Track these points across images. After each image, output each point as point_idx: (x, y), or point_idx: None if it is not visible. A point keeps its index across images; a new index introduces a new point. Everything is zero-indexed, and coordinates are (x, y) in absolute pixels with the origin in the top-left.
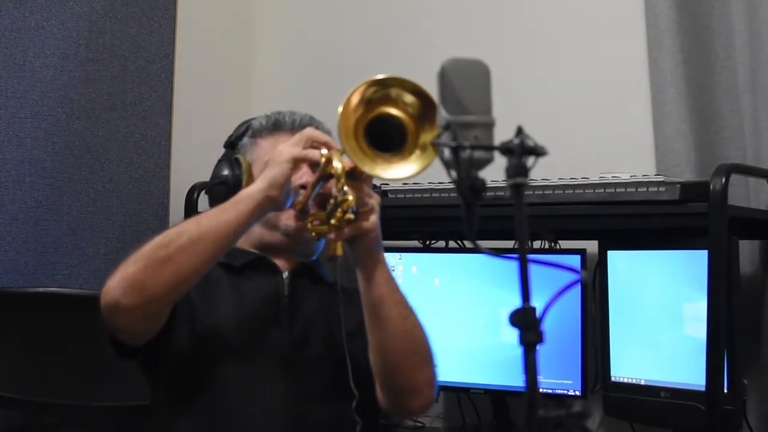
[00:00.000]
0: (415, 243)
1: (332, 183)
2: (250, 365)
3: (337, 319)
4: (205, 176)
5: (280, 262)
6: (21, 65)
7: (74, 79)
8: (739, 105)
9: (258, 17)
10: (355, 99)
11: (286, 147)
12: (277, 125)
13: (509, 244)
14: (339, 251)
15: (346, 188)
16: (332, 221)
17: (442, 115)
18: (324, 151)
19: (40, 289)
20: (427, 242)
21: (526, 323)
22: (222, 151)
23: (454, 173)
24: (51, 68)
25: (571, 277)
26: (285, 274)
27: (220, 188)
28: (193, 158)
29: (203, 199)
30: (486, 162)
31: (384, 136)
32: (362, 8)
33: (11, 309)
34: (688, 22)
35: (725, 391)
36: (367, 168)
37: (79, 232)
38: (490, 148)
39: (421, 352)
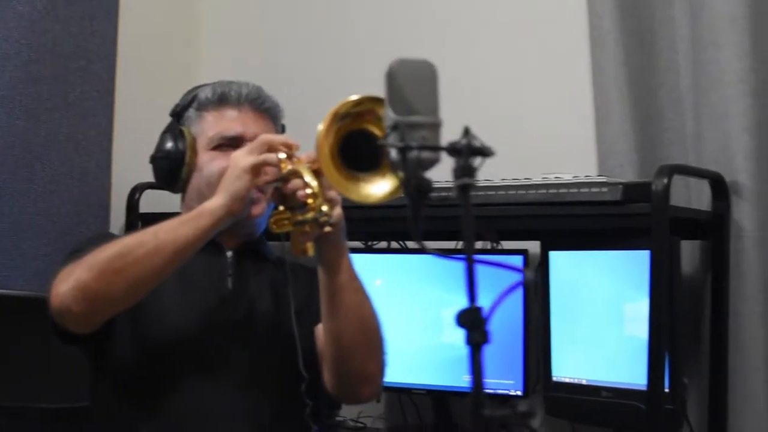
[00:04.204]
0: (357, 243)
1: (295, 182)
2: (196, 346)
3: (284, 299)
4: (147, 177)
5: (224, 241)
6: None
7: (15, 79)
8: (681, 106)
9: (202, 17)
10: (327, 123)
11: (243, 156)
12: (223, 98)
13: (452, 244)
14: (310, 252)
15: (312, 183)
16: (300, 219)
17: (390, 115)
18: (282, 155)
19: None
20: (369, 243)
21: (473, 323)
22: None
23: (401, 174)
24: None
25: (515, 277)
26: (229, 254)
27: (164, 162)
28: (134, 159)
29: (144, 200)
30: (433, 162)
31: (362, 154)
32: (312, 16)
33: None
34: (630, 24)
35: (666, 390)
36: (342, 189)
37: (20, 232)
38: (438, 149)
39: (375, 340)
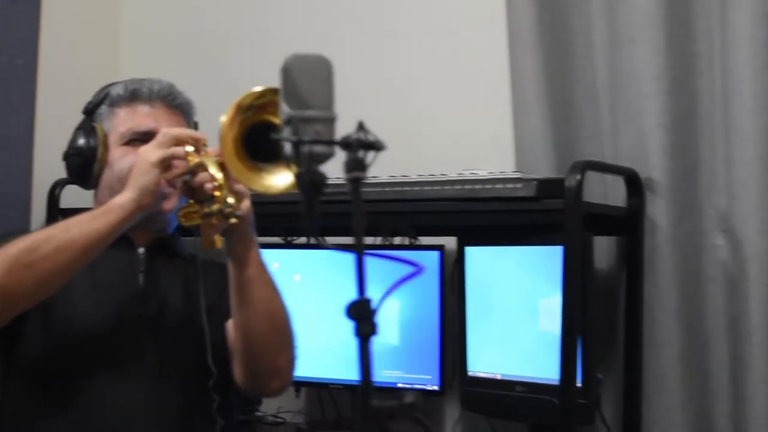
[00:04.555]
0: (277, 239)
1: (202, 175)
2: (106, 342)
3: (195, 295)
4: None
5: (135, 237)
6: None
7: None
8: (597, 104)
9: (124, 15)
10: (231, 114)
11: (150, 150)
12: (135, 95)
13: (368, 240)
14: (218, 244)
15: (217, 175)
16: (207, 212)
17: (284, 110)
18: (189, 148)
19: None
20: (289, 238)
21: (361, 315)
22: None
23: (295, 168)
24: None
25: (427, 273)
26: (141, 250)
27: (76, 159)
28: (56, 155)
29: (65, 195)
30: (327, 156)
31: (266, 146)
32: (230, 18)
33: None
34: (548, 21)
35: (579, 385)
36: (246, 180)
37: None
38: (329, 143)
39: (284, 334)
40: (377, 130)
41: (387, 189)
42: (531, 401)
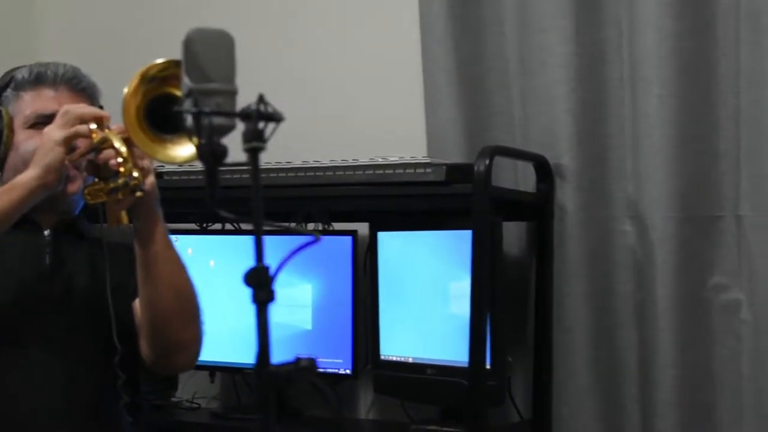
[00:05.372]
0: (192, 225)
1: (107, 152)
2: (12, 321)
3: (102, 275)
4: None
5: (41, 219)
6: None
7: None
8: (508, 91)
9: (39, 7)
10: (135, 83)
11: (54, 129)
12: (39, 78)
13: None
14: (125, 220)
15: (121, 149)
16: (112, 187)
17: (185, 82)
18: (93, 126)
19: None
20: (204, 224)
21: (259, 282)
22: None
23: (195, 140)
24: None
25: (344, 255)
26: (47, 232)
27: None
28: None
29: None
30: (227, 129)
31: (170, 117)
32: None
33: None
34: (459, 9)
35: (488, 367)
36: (149, 150)
37: None
38: (229, 114)
39: (190, 308)
40: (293, 117)
41: (300, 174)
42: (441, 384)
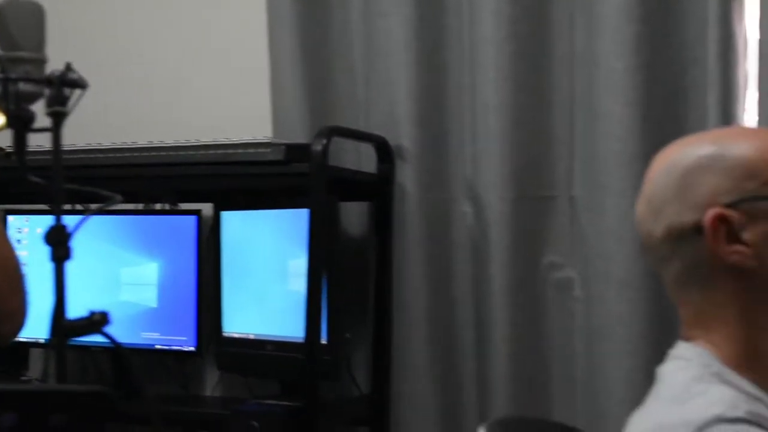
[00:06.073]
0: (45, 206)
1: None
2: None
3: None
4: None
5: None
6: None
7: None
8: (353, 74)
9: None
10: None
11: None
12: None
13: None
14: None
15: None
16: None
17: None
18: None
19: None
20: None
21: (57, 240)
22: None
23: (4, 106)
24: None
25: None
26: None
27: None
28: None
29: None
30: (35, 95)
31: None
32: None
33: None
34: None
35: (324, 343)
36: None
37: None
38: (34, 81)
39: (15, 279)
40: (140, 98)
41: (144, 154)
42: (280, 359)
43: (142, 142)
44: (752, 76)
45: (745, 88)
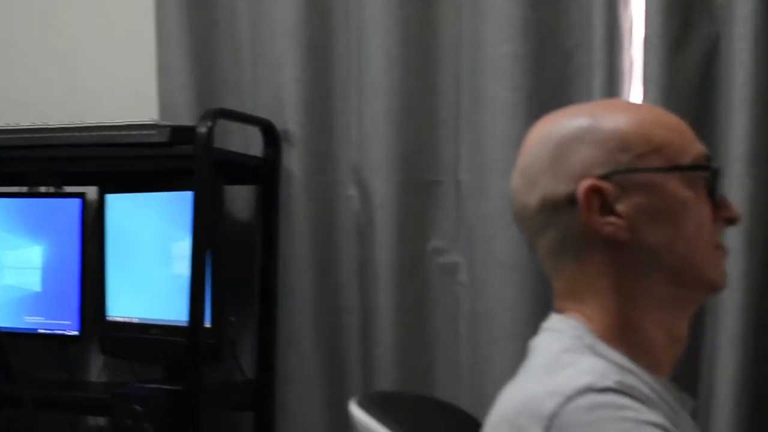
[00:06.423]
0: None
1: None
2: None
3: None
4: None
5: None
6: None
7: None
8: (239, 57)
9: None
10: None
11: None
12: None
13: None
14: None
15: None
16: None
17: None
18: None
19: None
20: None
21: None
22: None
23: None
24: None
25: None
26: None
27: None
28: None
29: None
30: None
31: None
32: None
33: None
34: None
35: (208, 326)
36: None
37: None
38: None
39: None
40: (23, 79)
41: (27, 135)
42: (164, 343)
43: (25, 123)
44: (637, 63)
45: (631, 74)
